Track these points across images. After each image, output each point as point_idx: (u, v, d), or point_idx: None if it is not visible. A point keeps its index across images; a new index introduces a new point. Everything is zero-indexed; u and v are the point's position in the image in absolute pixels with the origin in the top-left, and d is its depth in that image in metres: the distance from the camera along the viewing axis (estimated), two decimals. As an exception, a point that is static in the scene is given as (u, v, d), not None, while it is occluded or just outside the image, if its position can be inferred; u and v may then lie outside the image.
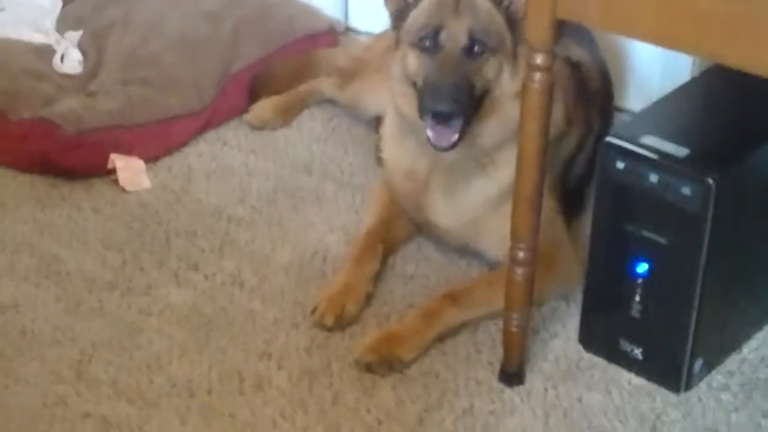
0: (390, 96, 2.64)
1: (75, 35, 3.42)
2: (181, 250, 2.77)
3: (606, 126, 2.81)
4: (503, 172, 2.48)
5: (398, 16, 2.55)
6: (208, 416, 2.33)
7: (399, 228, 2.76)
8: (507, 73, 2.48)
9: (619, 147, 2.33)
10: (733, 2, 1.86)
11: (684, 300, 2.35)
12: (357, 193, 2.97)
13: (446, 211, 2.64)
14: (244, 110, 3.27)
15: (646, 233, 2.35)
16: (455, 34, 2.46)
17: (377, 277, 2.67)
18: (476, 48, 2.46)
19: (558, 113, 2.59)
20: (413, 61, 2.51)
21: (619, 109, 3.16)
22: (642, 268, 2.39)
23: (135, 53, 3.31)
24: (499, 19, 2.49)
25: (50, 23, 3.47)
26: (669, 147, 2.30)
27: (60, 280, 2.67)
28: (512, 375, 2.44)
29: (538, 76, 2.14)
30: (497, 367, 2.45)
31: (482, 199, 2.59)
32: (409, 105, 2.55)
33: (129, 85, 3.18)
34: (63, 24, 3.49)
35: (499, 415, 2.36)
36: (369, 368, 2.44)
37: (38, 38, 3.40)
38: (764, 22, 1.84)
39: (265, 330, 2.55)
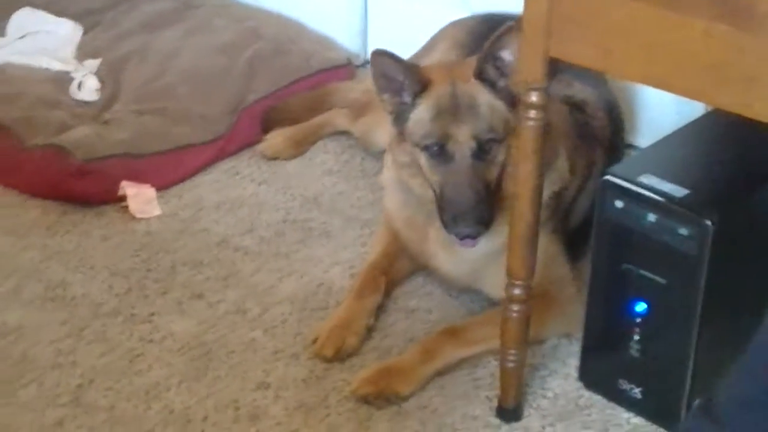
0: (393, 163, 2.63)
1: (94, 63, 3.46)
2: (186, 279, 2.79)
3: (614, 163, 2.81)
4: (505, 225, 2.47)
5: (398, 116, 2.52)
6: (202, 444, 2.35)
7: (402, 262, 2.76)
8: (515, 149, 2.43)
9: (618, 186, 2.33)
10: (724, 48, 1.86)
11: (682, 340, 2.35)
12: (364, 227, 2.99)
13: (447, 260, 2.64)
14: (258, 141, 3.30)
15: (644, 273, 2.35)
16: (463, 144, 2.44)
17: (379, 310, 2.68)
18: (485, 146, 2.45)
19: (562, 164, 2.60)
20: (424, 162, 2.49)
21: (632, 147, 3.16)
22: (640, 307, 2.38)
23: (150, 84, 3.35)
24: (500, 106, 2.46)
25: (70, 51, 3.52)
26: (668, 187, 2.30)
27: (65, 305, 2.70)
28: (509, 411, 2.44)
29: (532, 113, 2.14)
30: (495, 403, 2.45)
31: (485, 251, 2.58)
32: (417, 185, 2.55)
33: (143, 115, 3.22)
34: (82, 52, 3.54)
35: (494, 451, 2.37)
36: (366, 401, 2.45)
37: (56, 66, 3.45)
38: (753, 66, 1.85)
39: (264, 360, 2.56)
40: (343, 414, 2.42)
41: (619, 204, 2.34)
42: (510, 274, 2.32)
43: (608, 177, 2.36)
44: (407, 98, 2.49)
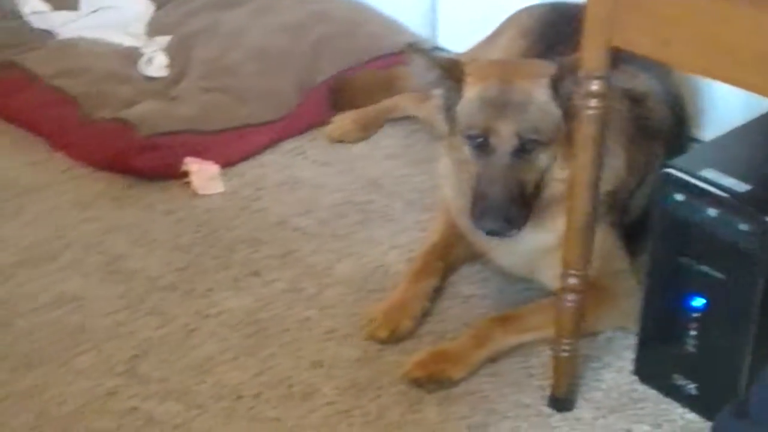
0: (449, 157, 2.61)
1: (164, 40, 3.49)
2: (244, 256, 2.81)
3: (675, 155, 2.77)
4: (559, 222, 2.43)
5: (448, 110, 2.50)
6: (252, 420, 2.36)
7: (460, 248, 2.75)
8: (560, 159, 2.43)
9: (678, 179, 2.30)
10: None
11: (739, 336, 2.32)
12: (425, 211, 2.98)
13: (503, 252, 2.63)
14: (325, 122, 3.30)
15: (702, 267, 2.32)
16: (504, 139, 2.40)
17: (435, 295, 2.68)
18: (527, 146, 2.41)
19: (617, 162, 2.57)
20: (467, 153, 2.46)
21: (697, 141, 3.13)
22: (698, 302, 2.36)
23: (217, 62, 3.37)
24: (554, 110, 2.42)
25: (141, 27, 3.55)
26: (729, 182, 2.27)
27: (124, 277, 2.73)
28: (561, 401, 2.43)
29: (592, 102, 2.13)
30: (548, 392, 2.44)
31: (540, 246, 2.56)
32: (467, 180, 2.51)
33: (209, 92, 3.25)
34: (153, 28, 3.57)
35: (543, 440, 2.37)
36: (417, 383, 2.45)
37: (127, 41, 3.48)
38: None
39: (318, 339, 2.57)
40: (393, 396, 2.43)
41: (679, 197, 2.31)
42: (566, 263, 2.31)
43: (669, 170, 2.33)
44: (452, 92, 2.47)
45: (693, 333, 2.38)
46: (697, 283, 2.34)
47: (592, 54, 2.09)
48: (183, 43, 3.48)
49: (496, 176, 2.41)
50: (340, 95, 3.34)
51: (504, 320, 2.54)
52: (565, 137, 2.41)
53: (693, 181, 2.30)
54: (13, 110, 3.26)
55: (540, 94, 2.43)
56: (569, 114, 2.39)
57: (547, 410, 2.42)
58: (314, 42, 3.46)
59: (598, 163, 2.21)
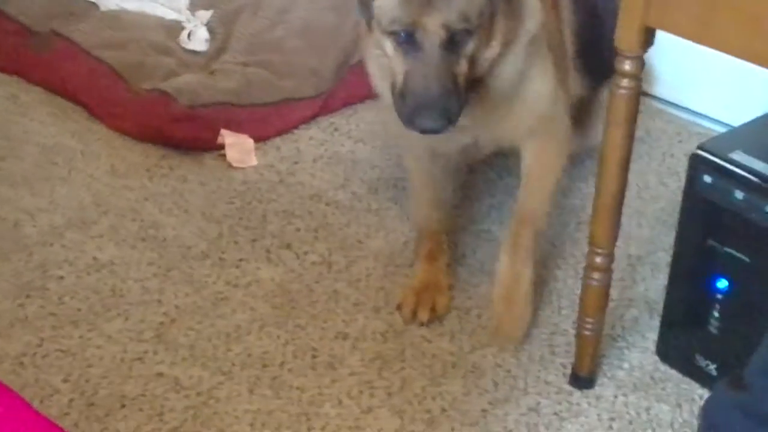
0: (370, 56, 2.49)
1: (205, 14, 3.52)
2: (276, 229, 2.84)
3: None
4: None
5: (364, 3, 2.33)
6: (276, 388, 2.39)
7: (441, 211, 2.74)
8: (484, 40, 2.32)
9: (708, 161, 2.31)
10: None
11: (762, 319, 2.31)
12: (457, 188, 2.99)
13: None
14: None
15: (728, 250, 2.33)
16: (432, 33, 2.24)
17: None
18: (456, 37, 2.26)
19: (534, 5, 2.46)
20: (390, 51, 2.31)
21: (725, 125, 3.13)
22: (722, 284, 2.37)
23: (259, 37, 3.40)
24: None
25: (183, 1, 3.58)
26: (759, 165, 2.27)
27: (156, 245, 2.76)
28: (583, 379, 2.45)
29: (625, 82, 2.13)
30: (570, 370, 2.46)
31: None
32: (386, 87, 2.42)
33: (249, 67, 3.27)
34: (195, 3, 3.60)
35: (563, 417, 2.38)
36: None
37: (169, 14, 3.51)
38: None
39: (345, 311, 2.60)
40: (417, 369, 2.45)
41: (707, 179, 2.32)
42: (593, 242, 2.32)
43: (698, 151, 2.34)
44: None
45: (716, 315, 2.40)
46: (723, 265, 2.35)
47: (626, 33, 2.08)
48: (226, 17, 3.51)
49: (428, 73, 2.25)
50: None
51: (528, 221, 2.54)
52: (488, 20, 2.31)
53: (722, 163, 2.30)
54: (57, 80, 3.30)
55: None
56: None
57: (569, 388, 2.44)
58: (357, 20, 3.47)
59: (629, 141, 2.21)
